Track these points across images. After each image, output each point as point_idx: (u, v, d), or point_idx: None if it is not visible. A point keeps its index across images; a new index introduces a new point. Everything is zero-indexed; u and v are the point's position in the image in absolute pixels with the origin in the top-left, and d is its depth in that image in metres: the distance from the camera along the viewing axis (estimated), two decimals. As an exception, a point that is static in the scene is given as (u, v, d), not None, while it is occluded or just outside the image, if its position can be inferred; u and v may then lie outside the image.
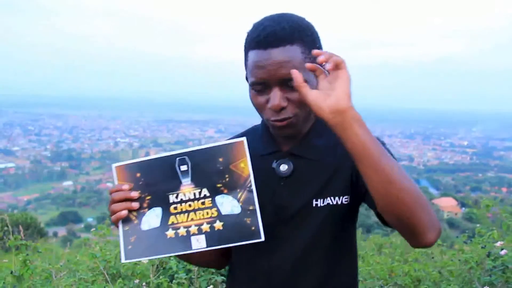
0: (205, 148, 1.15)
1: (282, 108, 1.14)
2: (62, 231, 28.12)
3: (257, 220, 1.12)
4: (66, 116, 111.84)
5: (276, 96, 1.13)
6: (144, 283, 3.00)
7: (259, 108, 1.19)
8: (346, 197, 1.21)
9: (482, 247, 3.20)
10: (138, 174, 1.16)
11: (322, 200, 1.20)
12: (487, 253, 3.04)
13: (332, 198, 1.21)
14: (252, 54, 1.15)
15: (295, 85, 1.02)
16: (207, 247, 1.13)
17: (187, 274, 3.16)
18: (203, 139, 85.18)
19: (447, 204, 34.43)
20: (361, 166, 0.99)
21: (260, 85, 1.15)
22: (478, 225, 3.79)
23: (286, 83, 1.12)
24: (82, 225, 37.98)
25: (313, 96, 1.00)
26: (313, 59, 1.10)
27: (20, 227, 3.92)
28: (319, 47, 1.18)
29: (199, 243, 1.14)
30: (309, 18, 1.19)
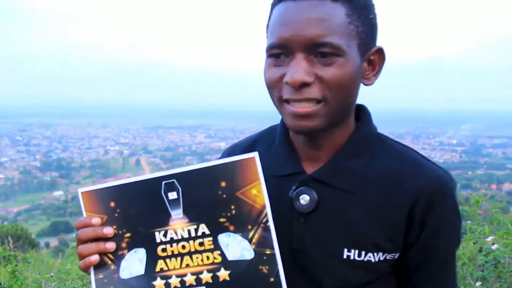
0: (200, 169, 0.85)
1: (305, 85, 0.81)
2: (54, 242, 27.89)
3: (277, 269, 0.84)
4: (55, 126, 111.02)
5: (298, 66, 0.81)
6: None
7: (271, 86, 0.87)
8: (392, 254, 0.90)
9: (473, 243, 3.22)
10: (113, 204, 0.87)
11: (357, 252, 0.88)
12: (479, 248, 3.06)
13: (373, 253, 0.88)
14: (279, 7, 0.85)
15: None
16: None
17: None
18: (193, 145, 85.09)
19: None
20: None
21: (279, 49, 0.84)
22: (469, 221, 3.82)
23: (316, 51, 0.81)
24: (73, 235, 37.64)
25: None
26: (361, 29, 0.84)
27: (10, 238, 3.88)
28: (371, 21, 0.87)
29: None
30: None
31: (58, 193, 59.93)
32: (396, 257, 0.90)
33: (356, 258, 0.88)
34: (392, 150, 0.94)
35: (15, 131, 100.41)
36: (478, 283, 2.71)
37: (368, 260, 0.88)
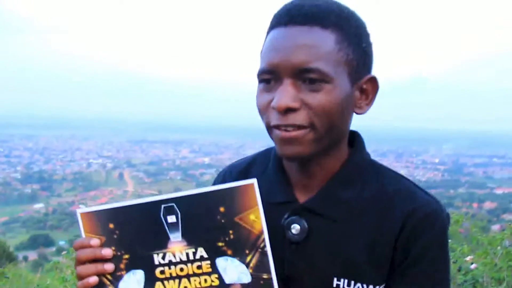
0: (199, 193, 0.87)
1: (290, 110, 0.82)
2: (33, 255, 27.36)
3: None
4: (37, 137, 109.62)
5: (285, 91, 0.81)
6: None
7: (261, 111, 0.88)
8: (382, 286, 0.90)
9: (453, 262, 3.30)
10: (112, 225, 0.89)
11: (346, 281, 0.88)
12: (458, 268, 3.13)
13: (361, 284, 0.88)
14: (270, 34, 0.87)
15: None
16: None
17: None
18: (178, 159, 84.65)
19: (421, 221, 34.95)
20: None
21: (269, 75, 0.84)
22: (450, 240, 3.92)
23: (304, 77, 0.82)
24: (54, 249, 37.06)
25: None
26: (352, 57, 0.84)
27: None
28: (364, 50, 0.87)
29: None
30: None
31: (38, 206, 58.95)
32: None
33: (344, 286, 0.88)
34: (385, 177, 0.94)
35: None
36: (458, 302, 2.78)
37: None
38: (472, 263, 2.99)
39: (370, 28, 0.90)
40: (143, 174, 74.08)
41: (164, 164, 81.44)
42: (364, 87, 0.90)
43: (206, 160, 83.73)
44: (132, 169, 78.03)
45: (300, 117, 0.82)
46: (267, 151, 1.05)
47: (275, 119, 0.84)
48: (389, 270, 0.89)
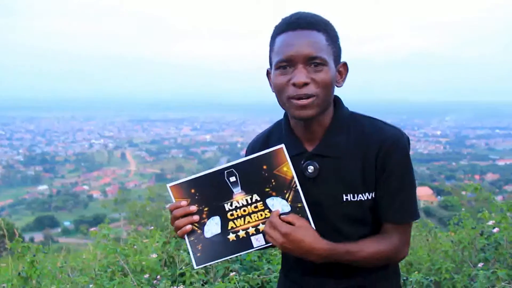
0: (249, 159, 1.25)
1: (305, 84, 1.21)
2: (39, 236, 27.63)
3: (307, 215, 1.24)
4: (39, 119, 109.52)
5: (300, 72, 1.21)
6: (158, 276, 3.07)
7: (280, 88, 1.26)
8: (372, 193, 1.30)
9: (472, 228, 3.38)
10: (193, 190, 1.27)
11: (351, 195, 1.29)
12: (480, 232, 3.21)
13: (362, 194, 1.29)
14: (281, 36, 1.25)
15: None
16: (266, 244, 1.26)
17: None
18: (179, 138, 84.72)
19: (424, 194, 35.07)
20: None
21: (286, 63, 1.23)
22: (456, 213, 3.99)
23: (311, 63, 1.21)
24: (59, 229, 37.44)
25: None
26: (334, 50, 1.26)
27: (5, 231, 3.92)
28: (338, 46, 1.30)
29: (258, 242, 1.27)
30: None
31: (42, 187, 59.25)
32: (374, 195, 1.30)
33: (352, 199, 1.29)
34: (361, 121, 1.34)
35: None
36: (480, 264, 2.86)
37: (359, 199, 1.29)
38: (494, 227, 3.07)
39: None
40: (145, 153, 74.11)
41: (166, 142, 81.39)
42: (340, 69, 1.32)
43: (208, 137, 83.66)
44: (134, 148, 78.06)
45: (310, 89, 1.22)
46: (278, 123, 1.44)
47: (293, 92, 1.22)
48: (375, 183, 1.29)
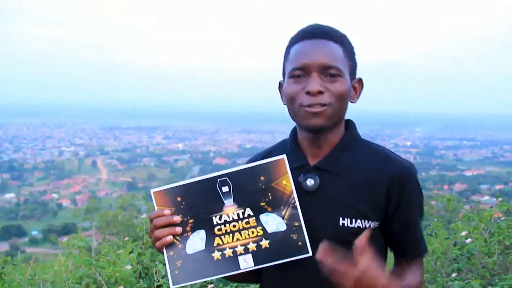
0: (246, 168, 1.15)
1: (319, 93, 1.15)
2: (4, 246, 26.82)
3: (304, 236, 1.13)
4: (7, 125, 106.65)
5: (315, 81, 1.15)
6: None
7: (292, 97, 1.19)
8: (375, 222, 1.21)
9: (445, 238, 3.44)
10: (179, 198, 1.15)
11: (349, 220, 1.19)
12: (454, 243, 3.27)
13: (361, 220, 1.19)
14: (297, 45, 1.21)
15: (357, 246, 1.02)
16: (255, 266, 1.14)
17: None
18: (151, 146, 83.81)
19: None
20: None
21: (300, 71, 1.18)
22: (427, 223, 4.07)
23: (326, 73, 1.16)
24: (26, 239, 36.44)
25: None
26: (350, 63, 1.22)
27: None
28: (354, 61, 1.26)
29: (246, 263, 1.14)
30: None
31: (9, 196, 57.61)
32: (377, 225, 1.21)
33: (349, 225, 1.18)
34: (372, 148, 1.29)
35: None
36: (454, 274, 2.91)
37: (357, 226, 1.18)
38: (467, 238, 3.13)
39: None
40: (117, 161, 72.95)
41: (138, 150, 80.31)
42: (355, 85, 1.28)
43: (180, 146, 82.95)
44: (105, 156, 76.78)
45: (324, 98, 1.15)
46: (282, 142, 1.37)
47: (306, 100, 1.16)
48: (385, 212, 1.21)
